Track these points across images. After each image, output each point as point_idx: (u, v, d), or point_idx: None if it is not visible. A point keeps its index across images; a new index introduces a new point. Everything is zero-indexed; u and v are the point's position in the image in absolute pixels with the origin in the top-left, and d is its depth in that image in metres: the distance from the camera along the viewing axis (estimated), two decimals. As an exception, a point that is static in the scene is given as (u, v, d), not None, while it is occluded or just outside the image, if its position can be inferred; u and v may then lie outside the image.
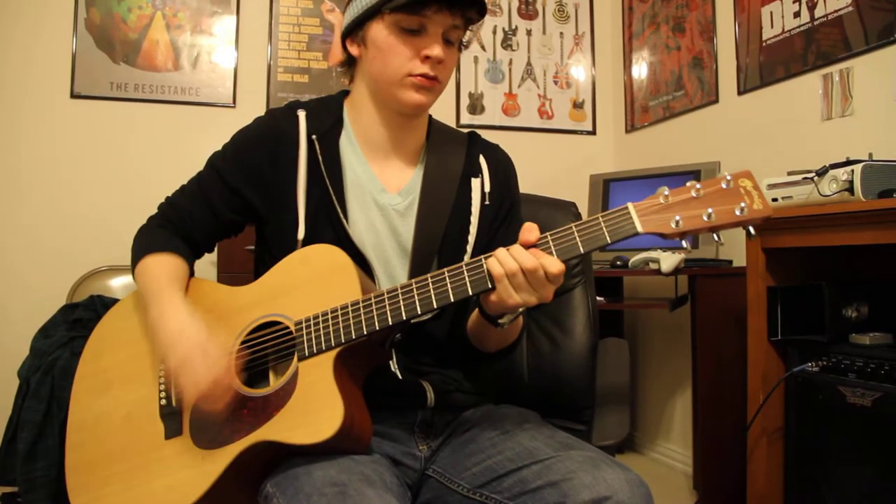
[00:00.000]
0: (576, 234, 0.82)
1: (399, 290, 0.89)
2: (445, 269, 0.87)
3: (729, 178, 0.79)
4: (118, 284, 2.46)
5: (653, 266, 2.26)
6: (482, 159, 1.13)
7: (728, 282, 2.19)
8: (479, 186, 1.10)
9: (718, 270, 2.29)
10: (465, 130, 1.18)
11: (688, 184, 0.80)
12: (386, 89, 1.02)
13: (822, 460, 1.61)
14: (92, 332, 1.10)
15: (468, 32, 1.05)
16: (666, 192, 0.80)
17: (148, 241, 1.07)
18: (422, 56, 0.98)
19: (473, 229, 1.07)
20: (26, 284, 2.58)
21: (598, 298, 1.40)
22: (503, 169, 1.15)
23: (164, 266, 1.04)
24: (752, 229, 0.82)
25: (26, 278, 2.58)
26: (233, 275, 2.39)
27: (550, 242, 0.83)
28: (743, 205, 0.78)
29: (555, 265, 0.81)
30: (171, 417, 0.96)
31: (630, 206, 0.81)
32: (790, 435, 1.70)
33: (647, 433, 2.99)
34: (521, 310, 0.92)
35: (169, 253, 1.05)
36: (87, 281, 2.48)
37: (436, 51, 0.98)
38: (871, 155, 1.61)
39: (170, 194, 1.13)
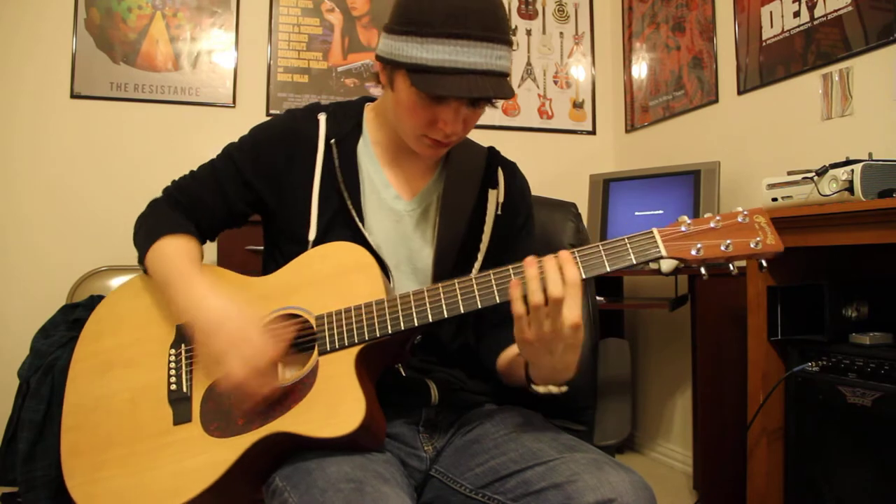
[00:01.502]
0: (602, 253, 0.85)
1: (441, 289, 0.89)
2: (491, 272, 0.87)
3: (745, 212, 0.85)
4: (118, 285, 2.44)
5: (653, 266, 2.26)
6: (500, 172, 1.13)
7: (728, 282, 2.18)
8: (494, 198, 1.10)
9: (718, 270, 2.28)
10: (486, 145, 1.18)
11: (706, 215, 0.86)
12: (402, 134, 1.02)
13: (822, 460, 1.61)
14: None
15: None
16: (688, 221, 0.86)
17: (162, 221, 1.05)
18: (439, 126, 0.95)
19: (486, 237, 1.07)
20: (26, 284, 2.57)
21: (598, 298, 1.40)
22: (519, 185, 1.15)
23: (184, 248, 1.02)
24: (764, 262, 0.86)
25: (26, 278, 2.58)
26: (233, 275, 2.38)
27: (577, 258, 0.85)
28: (758, 239, 0.85)
29: (572, 270, 0.81)
30: (181, 403, 0.94)
31: (655, 231, 0.85)
32: (790, 435, 1.70)
33: (647, 433, 2.99)
34: (563, 388, 0.92)
35: (187, 235, 1.04)
36: (87, 281, 2.48)
37: (452, 127, 0.95)
38: (870, 155, 1.61)
39: (176, 178, 1.11)
